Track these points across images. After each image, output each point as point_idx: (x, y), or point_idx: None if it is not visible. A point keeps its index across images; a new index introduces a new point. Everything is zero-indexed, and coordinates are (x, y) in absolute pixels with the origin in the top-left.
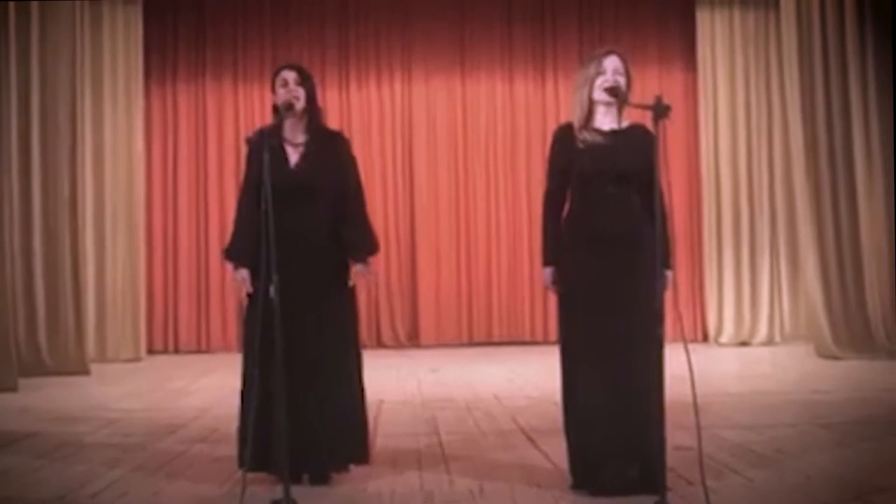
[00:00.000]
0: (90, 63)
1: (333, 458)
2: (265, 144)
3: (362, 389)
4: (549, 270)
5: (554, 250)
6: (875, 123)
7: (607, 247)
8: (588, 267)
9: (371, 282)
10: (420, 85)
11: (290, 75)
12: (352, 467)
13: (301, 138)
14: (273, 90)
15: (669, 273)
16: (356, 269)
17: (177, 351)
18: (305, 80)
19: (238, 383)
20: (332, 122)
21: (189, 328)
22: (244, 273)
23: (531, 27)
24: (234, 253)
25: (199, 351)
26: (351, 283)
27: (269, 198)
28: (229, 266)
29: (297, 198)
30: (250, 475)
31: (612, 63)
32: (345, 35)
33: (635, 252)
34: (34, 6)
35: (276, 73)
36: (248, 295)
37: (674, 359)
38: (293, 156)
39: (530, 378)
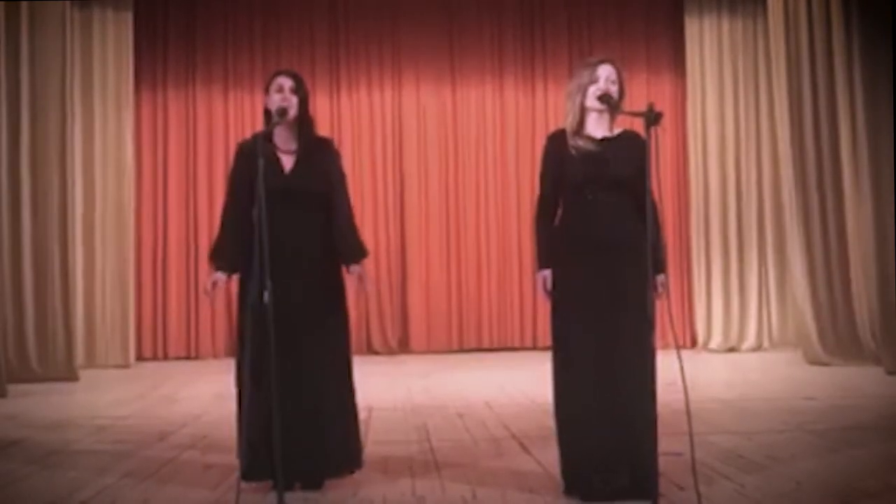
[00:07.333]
0: (80, 69)
1: (331, 464)
2: (258, 150)
3: (353, 393)
4: (542, 275)
5: (548, 255)
6: (862, 129)
7: (600, 253)
8: (581, 273)
9: (367, 284)
10: (410, 92)
11: (286, 82)
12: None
13: (293, 145)
14: (267, 93)
15: (664, 277)
16: (353, 270)
17: (166, 357)
18: (300, 88)
19: (229, 389)
20: (323, 128)
21: (178, 335)
22: (218, 276)
23: (521, 35)
24: (220, 257)
25: (188, 357)
26: (347, 280)
27: (264, 205)
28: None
29: (291, 203)
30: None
31: (605, 71)
32: (335, 42)
33: (628, 258)
34: (24, 12)
35: (272, 78)
36: (240, 300)
37: (663, 365)
38: (287, 162)
39: (521, 385)
